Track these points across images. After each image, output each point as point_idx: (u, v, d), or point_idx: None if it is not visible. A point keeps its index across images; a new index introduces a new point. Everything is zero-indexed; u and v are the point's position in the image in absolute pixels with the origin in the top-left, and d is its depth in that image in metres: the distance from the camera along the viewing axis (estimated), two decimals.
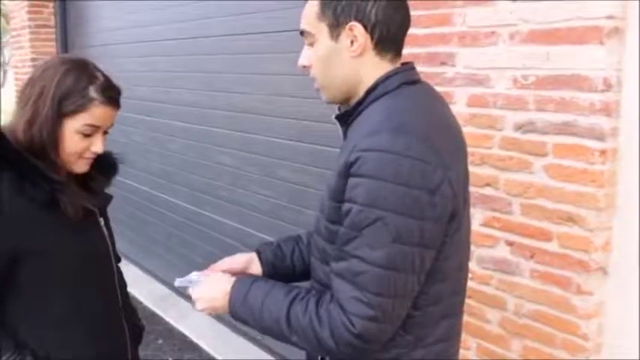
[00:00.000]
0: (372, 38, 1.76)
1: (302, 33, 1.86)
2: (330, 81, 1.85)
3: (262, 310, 1.80)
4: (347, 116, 1.84)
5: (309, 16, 1.82)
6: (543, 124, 2.63)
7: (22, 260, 2.05)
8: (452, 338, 1.90)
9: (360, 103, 1.79)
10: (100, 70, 2.16)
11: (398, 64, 1.84)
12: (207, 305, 1.98)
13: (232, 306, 1.88)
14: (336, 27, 1.77)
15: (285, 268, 2.21)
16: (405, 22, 1.82)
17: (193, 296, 2.02)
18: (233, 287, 1.89)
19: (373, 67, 1.79)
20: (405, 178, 1.57)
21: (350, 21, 1.75)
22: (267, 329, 1.81)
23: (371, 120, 1.71)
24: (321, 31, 1.79)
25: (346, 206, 1.65)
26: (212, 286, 1.98)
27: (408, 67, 1.84)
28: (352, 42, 1.76)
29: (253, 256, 2.23)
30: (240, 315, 1.87)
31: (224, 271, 2.18)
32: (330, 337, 1.65)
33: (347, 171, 1.65)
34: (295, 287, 1.83)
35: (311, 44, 1.84)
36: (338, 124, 1.89)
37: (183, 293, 6.05)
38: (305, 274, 2.17)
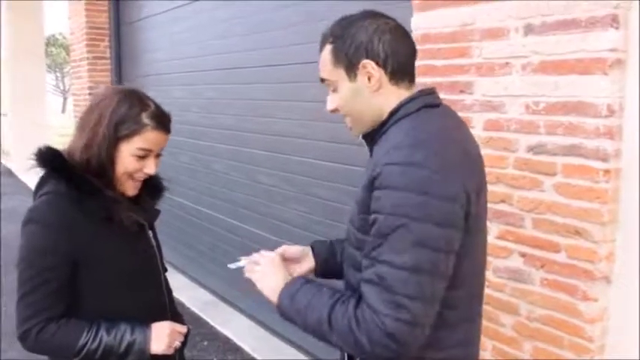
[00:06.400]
0: (385, 71, 1.79)
1: (322, 80, 1.89)
2: (358, 118, 1.86)
3: (307, 309, 1.77)
4: (372, 136, 1.85)
5: (325, 65, 1.85)
6: (553, 146, 2.65)
7: (80, 269, 2.10)
8: (471, 342, 1.89)
9: (383, 123, 1.81)
10: (150, 99, 2.20)
11: (414, 89, 1.85)
12: (261, 288, 1.96)
13: (281, 302, 1.85)
14: (351, 69, 1.80)
15: (336, 264, 2.20)
16: (410, 50, 1.85)
17: (253, 277, 2.01)
18: (286, 285, 1.87)
19: (392, 96, 1.81)
20: (424, 187, 1.57)
21: (362, 60, 1.77)
22: (310, 328, 1.77)
23: (393, 138, 1.72)
24: (339, 75, 1.82)
25: (372, 217, 1.65)
26: (272, 274, 1.95)
27: (429, 91, 1.85)
28: (369, 78, 1.79)
29: (308, 249, 2.25)
30: (286, 312, 1.84)
31: (281, 256, 2.17)
32: (366, 339, 1.61)
33: (371, 184, 1.66)
34: (340, 291, 1.80)
35: (334, 90, 1.86)
36: (365, 143, 1.91)
37: (225, 299, 6.11)
38: None
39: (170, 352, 2.22)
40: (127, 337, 2.12)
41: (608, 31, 2.43)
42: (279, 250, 2.21)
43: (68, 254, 2.06)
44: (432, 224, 1.58)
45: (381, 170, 1.63)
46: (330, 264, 2.23)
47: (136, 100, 2.15)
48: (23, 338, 2.08)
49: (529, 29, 2.69)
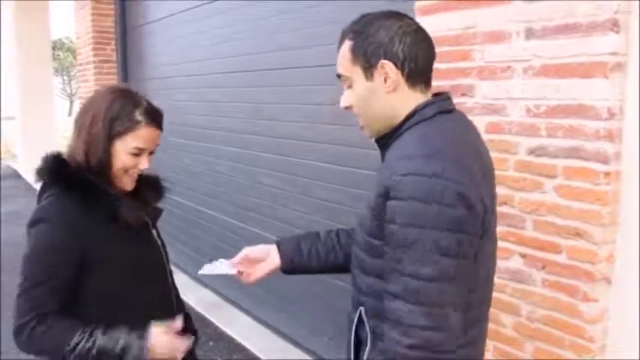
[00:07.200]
0: (402, 73, 1.76)
1: (339, 76, 1.87)
2: (371, 117, 1.84)
3: None
4: (385, 139, 1.84)
5: (344, 62, 1.83)
6: (554, 149, 2.65)
7: (87, 267, 2.10)
8: (479, 342, 1.89)
9: (397, 128, 1.79)
10: (143, 97, 2.23)
11: (429, 94, 1.84)
12: None
13: None
14: (369, 68, 1.77)
15: (302, 262, 2.23)
16: (429, 54, 1.82)
17: None
18: None
19: (407, 100, 1.79)
20: (439, 197, 1.55)
21: (381, 60, 1.75)
22: None
23: (407, 145, 1.70)
24: (356, 73, 1.80)
25: (390, 228, 1.63)
26: None
27: (444, 97, 1.84)
28: (385, 79, 1.76)
29: (272, 248, 2.26)
30: None
31: (244, 259, 2.24)
32: None
33: (386, 193, 1.64)
34: None
35: (349, 86, 1.84)
36: (377, 147, 1.89)
37: (230, 299, 6.11)
38: (320, 269, 2.23)
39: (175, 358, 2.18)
40: (123, 340, 2.07)
41: (608, 35, 2.42)
42: (241, 253, 2.26)
43: (75, 253, 2.07)
44: (451, 232, 1.58)
45: (397, 180, 1.61)
46: (295, 262, 2.24)
47: (129, 98, 2.19)
48: (18, 332, 2.07)
49: (530, 33, 2.69)
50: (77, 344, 2.03)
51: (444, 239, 1.57)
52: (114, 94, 2.18)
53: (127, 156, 2.15)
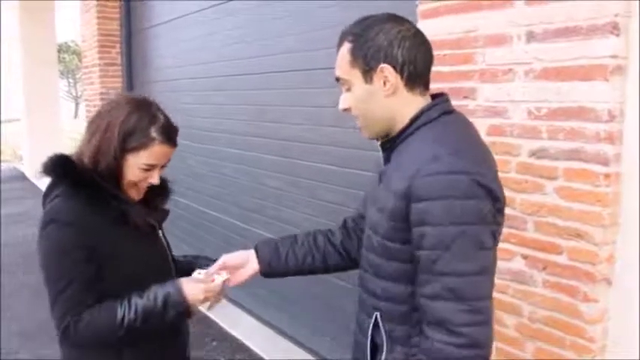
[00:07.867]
0: (401, 77, 1.77)
1: (337, 79, 1.87)
2: (369, 120, 1.84)
3: None
4: (391, 142, 1.84)
5: (343, 65, 1.82)
6: (555, 151, 2.65)
7: (96, 267, 2.10)
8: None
9: (403, 130, 1.80)
10: (161, 111, 2.19)
11: (428, 96, 1.84)
12: None
13: None
14: (368, 71, 1.77)
15: (281, 266, 2.27)
16: (428, 57, 1.83)
17: None
18: None
19: (406, 102, 1.79)
20: (474, 192, 1.59)
21: (380, 64, 1.75)
22: None
23: (424, 147, 1.71)
24: (355, 76, 1.80)
25: (421, 230, 1.64)
26: None
27: (444, 98, 1.85)
28: (385, 82, 1.77)
29: (251, 253, 2.30)
30: None
31: (222, 267, 2.24)
32: None
33: (407, 195, 1.65)
34: None
35: (348, 89, 1.84)
36: (380, 150, 1.90)
37: (233, 300, 6.09)
38: (297, 271, 2.26)
39: (207, 304, 2.22)
40: (160, 292, 2.10)
41: (608, 38, 2.43)
42: (219, 262, 2.26)
43: (90, 250, 2.06)
44: (488, 225, 1.62)
45: (425, 181, 1.62)
46: (273, 266, 2.28)
47: (146, 111, 2.15)
48: (65, 335, 2.07)
49: (531, 36, 2.70)
50: (123, 318, 2.05)
51: (483, 233, 1.61)
52: (131, 105, 2.14)
53: (139, 170, 2.14)
